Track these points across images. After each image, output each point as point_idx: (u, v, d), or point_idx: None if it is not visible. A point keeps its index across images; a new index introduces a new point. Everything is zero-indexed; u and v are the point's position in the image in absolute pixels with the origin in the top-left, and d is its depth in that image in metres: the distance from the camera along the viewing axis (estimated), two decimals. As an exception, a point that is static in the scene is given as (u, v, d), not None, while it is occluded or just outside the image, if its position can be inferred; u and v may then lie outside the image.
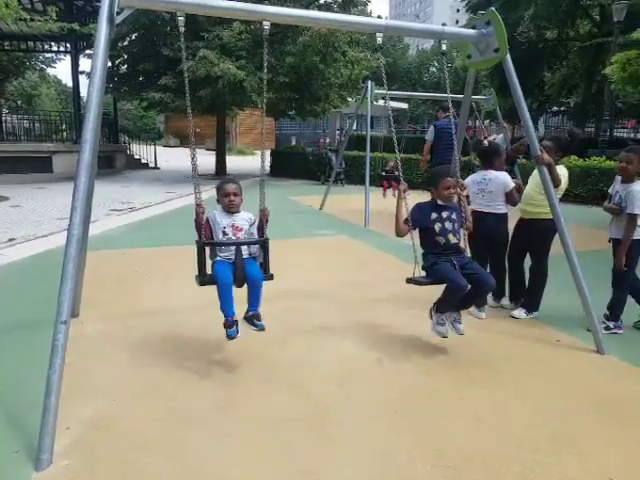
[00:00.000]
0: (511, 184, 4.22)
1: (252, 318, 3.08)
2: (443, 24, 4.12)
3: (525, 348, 3.66)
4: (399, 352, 3.53)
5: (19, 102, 38.00)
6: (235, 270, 3.03)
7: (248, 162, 22.70)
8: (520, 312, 4.25)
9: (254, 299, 3.11)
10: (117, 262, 5.79)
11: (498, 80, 19.95)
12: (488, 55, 3.71)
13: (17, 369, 3.18)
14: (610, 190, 4.06)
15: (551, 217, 3.85)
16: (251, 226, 3.22)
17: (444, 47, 3.73)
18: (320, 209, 10.06)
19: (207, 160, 16.28)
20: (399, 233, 3.47)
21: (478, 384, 3.10)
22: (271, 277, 3.21)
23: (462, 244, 3.49)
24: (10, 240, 6.69)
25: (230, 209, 3.17)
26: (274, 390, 2.98)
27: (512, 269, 4.41)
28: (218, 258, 3.11)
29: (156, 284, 5.00)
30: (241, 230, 3.16)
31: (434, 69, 41.57)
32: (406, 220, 3.42)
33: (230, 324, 2.99)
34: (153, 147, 20.47)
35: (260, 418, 2.68)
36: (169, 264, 5.68)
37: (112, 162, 17.49)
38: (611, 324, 3.93)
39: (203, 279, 3.06)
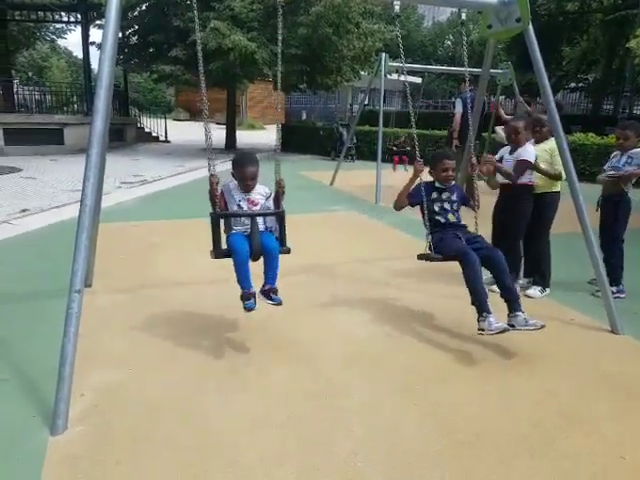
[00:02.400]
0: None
1: (269, 292, 3.00)
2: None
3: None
4: (409, 328, 3.53)
5: (30, 74, 37.83)
6: (251, 243, 2.95)
7: (258, 136, 22.53)
8: (535, 291, 4.22)
9: (271, 272, 3.02)
10: (129, 234, 5.82)
11: (515, 54, 19.42)
12: (509, 25, 3.58)
13: (32, 338, 3.22)
14: (605, 167, 4.30)
15: (552, 191, 4.06)
16: (267, 199, 3.14)
17: (463, 16, 3.61)
18: (331, 184, 9.99)
19: (217, 134, 16.08)
20: (397, 205, 3.57)
21: (488, 362, 3.09)
22: (288, 250, 3.12)
23: (463, 222, 3.50)
24: (23, 211, 6.74)
25: (247, 191, 3.08)
26: (284, 364, 3.00)
27: (527, 245, 4.36)
28: (233, 231, 3.03)
29: (168, 256, 5.02)
30: (257, 204, 3.08)
31: (449, 42, 40.56)
32: (408, 196, 3.49)
33: (247, 296, 2.91)
34: (163, 120, 20.36)
35: (270, 390, 2.70)
36: (181, 237, 5.70)
37: (122, 135, 17.43)
38: (613, 289, 4.03)
39: (218, 252, 2.98)
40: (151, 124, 20.55)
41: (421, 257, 3.40)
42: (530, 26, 3.48)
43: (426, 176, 3.49)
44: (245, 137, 20.34)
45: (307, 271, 4.63)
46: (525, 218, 4.10)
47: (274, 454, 2.21)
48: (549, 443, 2.33)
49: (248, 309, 2.90)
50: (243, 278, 2.92)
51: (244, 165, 3.03)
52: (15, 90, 16.42)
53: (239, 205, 3.05)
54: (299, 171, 11.93)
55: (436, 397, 2.68)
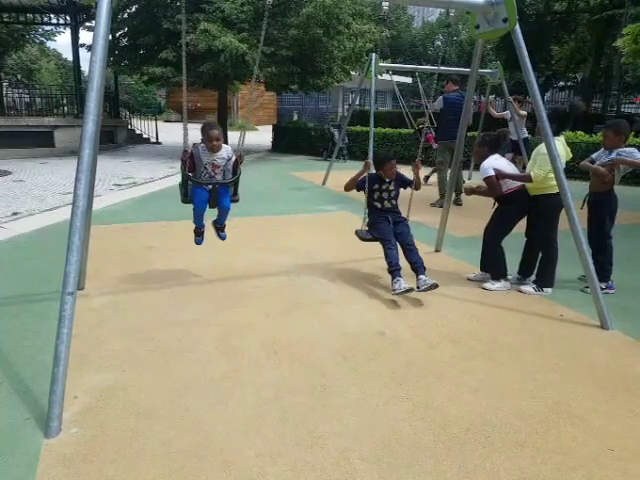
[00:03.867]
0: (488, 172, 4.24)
1: (218, 229, 4.24)
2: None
3: (529, 323, 3.68)
4: (402, 325, 3.56)
5: (19, 76, 37.54)
6: (209, 197, 3.82)
7: (250, 137, 22.49)
8: (528, 287, 4.26)
9: (222, 218, 4.15)
10: (121, 236, 5.80)
11: (505, 54, 19.57)
12: (497, 25, 3.63)
13: (24, 340, 3.21)
14: (594, 155, 4.53)
15: (554, 192, 3.94)
16: (228, 161, 3.84)
17: (452, 15, 3.64)
18: (323, 184, 10.01)
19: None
20: (346, 188, 4.43)
21: (480, 357, 3.13)
22: (237, 200, 4.03)
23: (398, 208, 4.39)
24: (14, 214, 6.70)
25: (213, 151, 3.74)
26: (278, 362, 3.02)
27: (526, 244, 4.41)
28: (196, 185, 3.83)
29: (161, 257, 5.01)
30: (219, 167, 3.83)
31: (439, 42, 40.75)
32: (357, 183, 4.34)
33: (199, 232, 4.14)
34: (154, 122, 20.27)
35: (264, 388, 2.72)
36: (171, 238, 5.69)
37: (113, 137, 17.35)
38: (602, 285, 4.06)
39: (185, 199, 3.85)
40: (142, 126, 20.46)
41: (356, 233, 4.39)
42: (517, 26, 3.53)
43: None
44: (237, 138, 20.30)
45: (300, 270, 4.65)
46: (507, 222, 4.27)
47: (268, 451, 2.22)
48: (539, 436, 2.36)
49: (198, 243, 4.18)
50: (197, 219, 4.02)
51: (210, 128, 3.73)
52: (4, 93, 16.32)
53: (205, 167, 3.78)
54: (291, 171, 11.94)
55: (428, 392, 2.71)
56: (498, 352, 3.20)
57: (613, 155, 4.22)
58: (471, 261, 4.91)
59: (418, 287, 3.92)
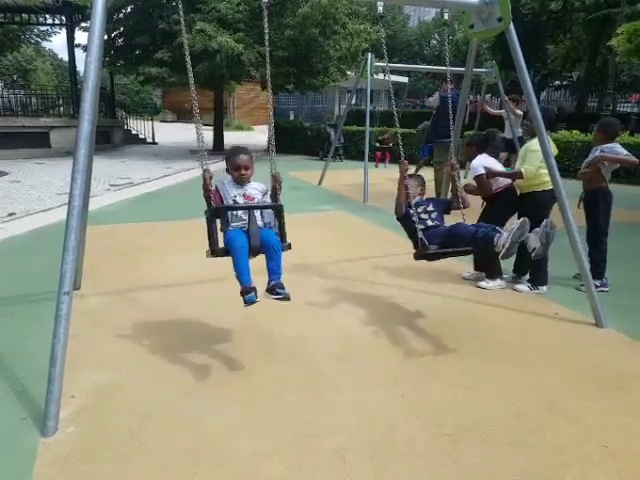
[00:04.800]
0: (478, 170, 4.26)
1: (274, 288, 2.72)
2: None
3: (524, 321, 3.70)
4: (397, 325, 3.57)
5: (15, 77, 37.41)
6: (249, 238, 2.78)
7: (247, 137, 22.49)
8: (523, 286, 4.29)
9: (274, 268, 2.78)
10: (117, 236, 5.80)
11: (501, 54, 19.59)
12: (491, 25, 3.64)
13: (21, 340, 3.22)
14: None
15: (545, 189, 4.04)
16: (264, 195, 3.02)
17: (446, 16, 3.66)
18: (319, 184, 10.02)
19: (205, 135, 16.08)
20: (397, 212, 3.51)
21: (476, 356, 3.14)
22: (289, 246, 2.94)
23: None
24: (10, 215, 6.68)
25: (241, 183, 2.99)
26: (274, 361, 3.02)
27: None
28: (230, 228, 2.87)
29: (157, 258, 5.01)
30: (253, 199, 2.96)
31: (435, 42, 40.77)
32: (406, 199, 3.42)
33: (248, 290, 2.65)
34: (150, 122, 20.24)
35: (260, 387, 2.73)
36: (169, 238, 5.70)
37: (109, 137, 17.30)
38: (597, 282, 4.11)
39: (215, 250, 2.81)
40: (138, 126, 20.41)
41: (417, 257, 3.30)
42: (511, 25, 3.54)
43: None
44: (233, 138, 20.28)
45: (296, 270, 4.66)
46: (496, 221, 4.21)
47: (265, 449, 2.23)
48: (534, 434, 2.38)
49: (249, 302, 2.64)
50: (242, 273, 2.71)
51: (237, 154, 2.99)
52: (0, 93, 16.26)
53: (235, 200, 2.93)
54: (287, 171, 11.92)
55: (424, 391, 2.73)
56: (494, 351, 3.21)
57: (597, 152, 4.29)
58: (466, 259, 4.92)
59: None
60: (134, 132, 20.11)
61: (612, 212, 4.34)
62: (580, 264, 3.69)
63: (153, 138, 19.72)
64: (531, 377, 2.90)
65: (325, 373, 2.90)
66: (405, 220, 3.44)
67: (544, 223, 3.17)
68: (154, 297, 4.00)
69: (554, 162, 3.69)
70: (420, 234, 3.24)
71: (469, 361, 3.07)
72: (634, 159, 4.26)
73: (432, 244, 3.23)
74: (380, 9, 3.34)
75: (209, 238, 2.83)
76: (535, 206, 4.15)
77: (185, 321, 3.56)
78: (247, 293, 2.65)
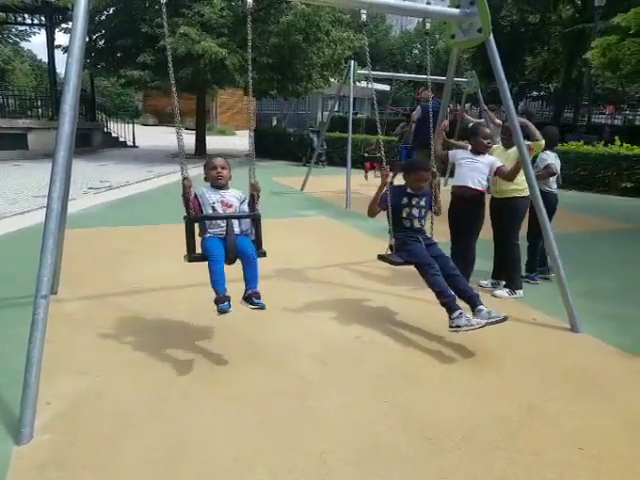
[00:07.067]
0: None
1: (251, 297, 2.86)
2: (427, 2, 4.10)
3: (504, 327, 3.71)
4: (379, 330, 3.59)
5: (-9, 77, 36.66)
6: (226, 246, 2.91)
7: (229, 142, 22.42)
8: (502, 292, 4.35)
9: (251, 276, 2.93)
10: (96, 240, 5.71)
11: (481, 65, 19.95)
12: (471, 35, 3.71)
13: (-5, 346, 3.14)
14: None
15: (520, 196, 4.16)
16: (242, 203, 3.14)
17: (428, 25, 3.72)
18: (301, 190, 10.04)
19: (187, 140, 15.89)
20: (370, 212, 3.64)
21: (458, 360, 3.17)
22: (264, 254, 3.09)
23: (426, 228, 3.65)
24: (-16, 218, 6.53)
25: (218, 183, 3.08)
26: (256, 367, 3.01)
27: (497, 248, 4.49)
28: (208, 234, 2.99)
29: (135, 262, 4.95)
30: (231, 207, 3.07)
31: (417, 51, 41.32)
32: (380, 203, 3.55)
33: (222, 299, 2.77)
34: (131, 125, 20.02)
35: (243, 394, 2.71)
36: (148, 243, 5.63)
37: (89, 140, 17.05)
38: (531, 275, 4.74)
39: (192, 256, 2.96)
40: (118, 129, 20.17)
41: (381, 258, 3.52)
42: (491, 36, 3.62)
43: (398, 179, 3.57)
44: (216, 143, 20.19)
45: (279, 275, 4.65)
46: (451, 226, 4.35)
47: (247, 456, 2.21)
48: (513, 437, 2.41)
49: (222, 311, 2.76)
50: (217, 281, 2.83)
51: (213, 158, 3.15)
52: (-25, 94, 15.91)
53: (213, 207, 3.03)
54: (270, 177, 11.92)
55: (406, 396, 2.74)
56: (476, 356, 3.25)
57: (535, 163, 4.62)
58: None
59: (480, 324, 3.13)
60: (114, 135, 19.85)
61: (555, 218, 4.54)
62: (556, 269, 3.77)
63: (134, 141, 19.51)
64: (512, 381, 2.94)
65: (308, 378, 2.89)
66: (387, 212, 3.55)
67: (495, 313, 3.20)
68: (133, 302, 3.94)
69: (531, 170, 3.78)
70: (392, 240, 3.44)
71: (451, 366, 3.10)
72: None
73: (403, 257, 3.40)
74: (363, 17, 3.38)
75: (187, 244, 2.96)
76: (508, 213, 4.25)
77: (165, 326, 3.52)
78: (221, 302, 2.77)
